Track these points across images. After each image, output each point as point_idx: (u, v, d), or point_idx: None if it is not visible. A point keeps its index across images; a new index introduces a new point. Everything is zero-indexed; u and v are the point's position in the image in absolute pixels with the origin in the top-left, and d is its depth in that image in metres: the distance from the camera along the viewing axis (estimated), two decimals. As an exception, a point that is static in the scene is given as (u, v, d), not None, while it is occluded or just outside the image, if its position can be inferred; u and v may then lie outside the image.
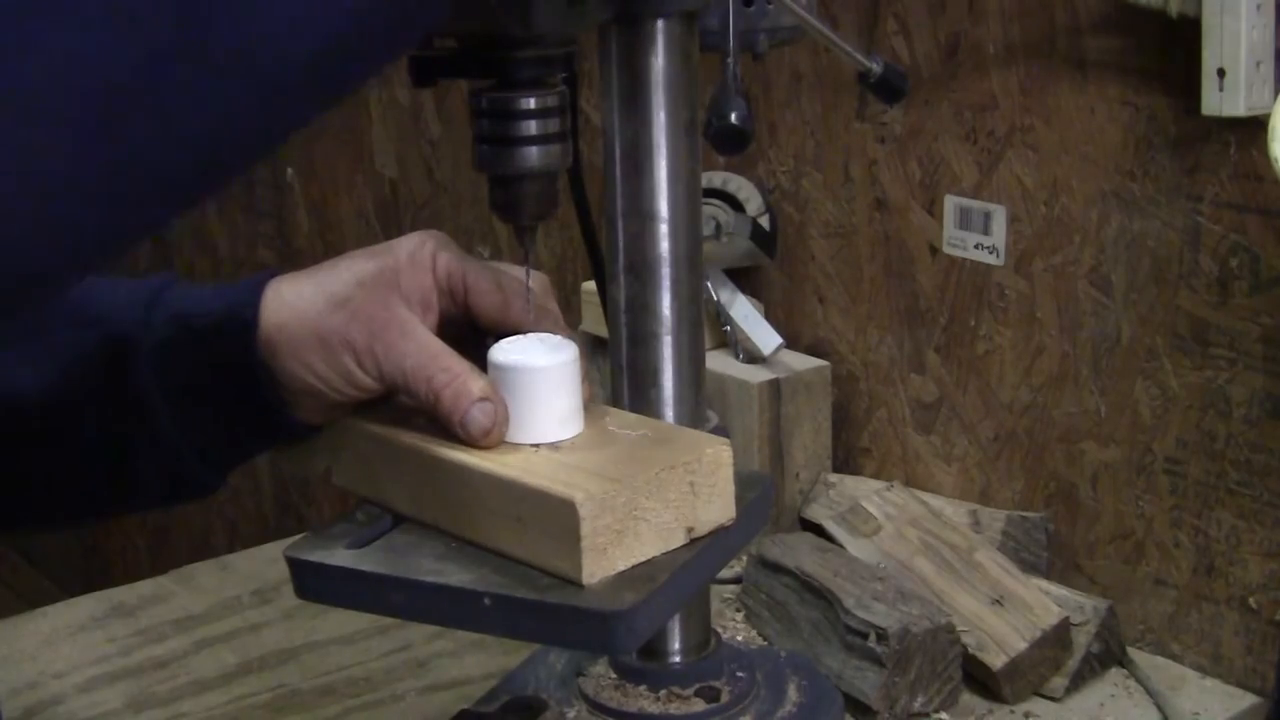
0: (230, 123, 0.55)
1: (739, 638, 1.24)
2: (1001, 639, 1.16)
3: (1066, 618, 1.18)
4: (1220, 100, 1.10)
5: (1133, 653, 1.23)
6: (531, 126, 0.78)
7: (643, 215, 0.84)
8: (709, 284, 1.43)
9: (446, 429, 0.77)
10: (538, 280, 0.82)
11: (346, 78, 0.59)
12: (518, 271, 0.84)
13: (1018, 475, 1.35)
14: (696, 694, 0.90)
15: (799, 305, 1.51)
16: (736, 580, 1.31)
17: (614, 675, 0.91)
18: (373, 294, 0.79)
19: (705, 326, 0.90)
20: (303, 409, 0.82)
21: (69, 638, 1.33)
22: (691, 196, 0.85)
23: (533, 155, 0.79)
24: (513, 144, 0.78)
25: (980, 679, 1.17)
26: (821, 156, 1.46)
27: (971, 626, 1.17)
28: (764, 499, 0.82)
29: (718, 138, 0.77)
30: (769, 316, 1.46)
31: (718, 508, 0.76)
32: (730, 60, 0.78)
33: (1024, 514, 1.32)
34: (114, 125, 0.51)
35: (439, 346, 0.78)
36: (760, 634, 1.25)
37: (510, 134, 0.78)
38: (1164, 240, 1.20)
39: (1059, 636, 1.17)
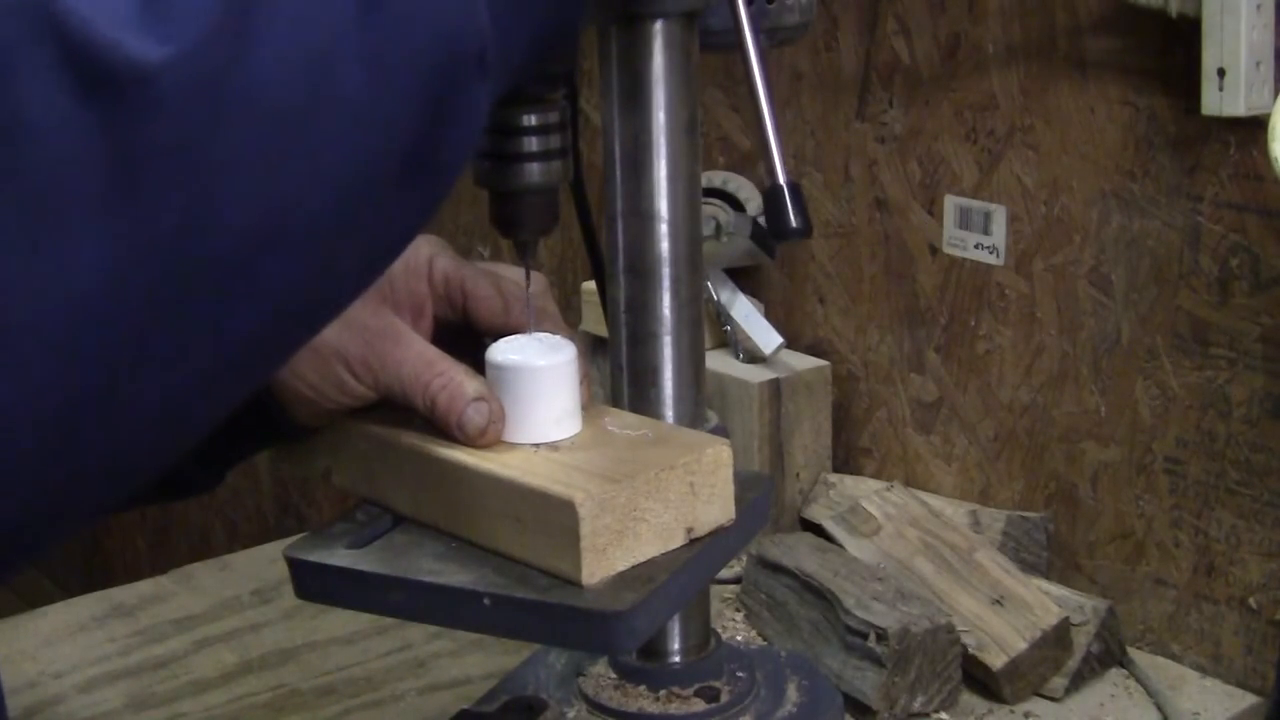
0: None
1: (739, 638, 1.24)
2: (1001, 639, 1.16)
3: (1066, 618, 1.18)
4: (1220, 100, 1.10)
5: (1133, 653, 1.23)
6: (533, 143, 0.78)
7: (643, 215, 0.84)
8: (709, 284, 1.43)
9: (444, 431, 0.77)
10: (537, 281, 0.82)
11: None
12: (516, 274, 0.83)
13: (1018, 475, 1.35)
14: (696, 694, 0.90)
15: (799, 305, 1.51)
16: (736, 580, 1.31)
17: (614, 675, 0.91)
18: (365, 302, 0.79)
19: (705, 326, 0.90)
20: (298, 413, 0.82)
21: (69, 638, 1.33)
22: (691, 196, 0.85)
23: (533, 172, 0.79)
24: (513, 160, 0.78)
25: (980, 679, 1.17)
26: (821, 156, 1.46)
27: (971, 626, 1.17)
28: (764, 499, 0.82)
29: (779, 240, 0.77)
30: (769, 316, 1.46)
31: (718, 508, 0.76)
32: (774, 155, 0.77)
33: (1024, 514, 1.32)
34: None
35: (434, 353, 0.78)
36: (760, 634, 1.25)
37: (511, 150, 0.78)
38: (1164, 240, 1.20)
39: (1059, 636, 1.17)
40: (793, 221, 0.76)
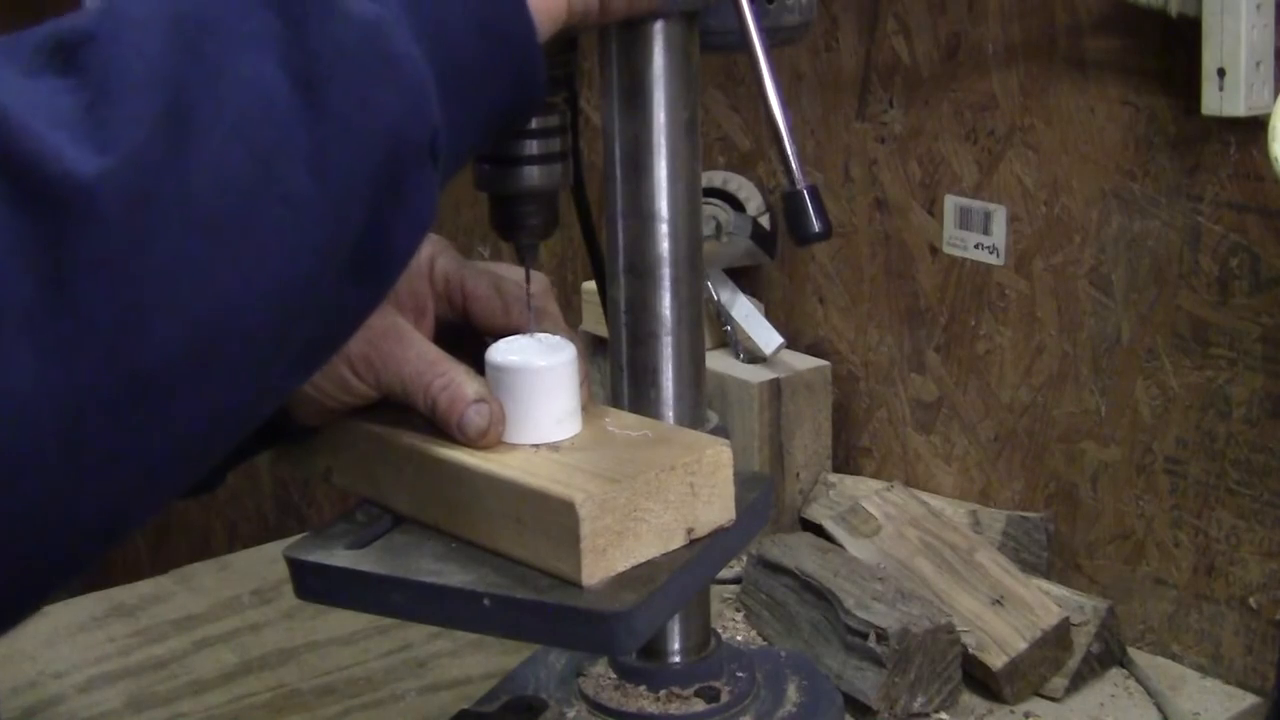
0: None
1: (739, 638, 1.24)
2: (1001, 639, 1.16)
3: (1066, 618, 1.18)
4: (1220, 100, 1.10)
5: (1133, 653, 1.23)
6: (533, 146, 0.78)
7: (643, 215, 0.84)
8: (709, 284, 1.43)
9: (445, 432, 0.77)
10: (538, 281, 0.82)
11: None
12: (517, 274, 0.83)
13: (1018, 475, 1.35)
14: (696, 694, 0.90)
15: (799, 305, 1.51)
16: (736, 580, 1.31)
17: (614, 675, 0.91)
18: None
19: (705, 326, 0.90)
20: (300, 412, 0.82)
21: (69, 638, 1.33)
22: (691, 196, 0.85)
23: (534, 175, 0.78)
24: (513, 164, 0.78)
25: (980, 679, 1.17)
26: (822, 156, 1.46)
27: (971, 626, 1.17)
28: (764, 499, 0.82)
29: (802, 244, 0.79)
30: (769, 316, 1.46)
31: (718, 508, 0.76)
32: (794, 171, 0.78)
33: (1024, 514, 1.32)
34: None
35: (436, 353, 0.78)
36: (760, 634, 1.25)
37: (511, 153, 0.78)
38: (1164, 240, 1.20)
39: (1059, 636, 1.17)
40: (815, 225, 0.76)
